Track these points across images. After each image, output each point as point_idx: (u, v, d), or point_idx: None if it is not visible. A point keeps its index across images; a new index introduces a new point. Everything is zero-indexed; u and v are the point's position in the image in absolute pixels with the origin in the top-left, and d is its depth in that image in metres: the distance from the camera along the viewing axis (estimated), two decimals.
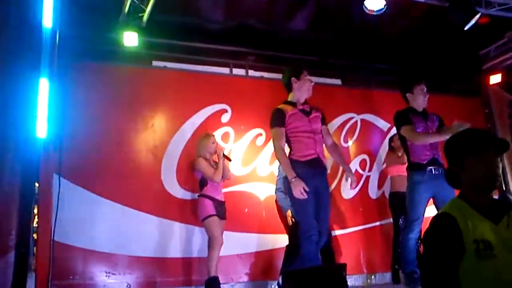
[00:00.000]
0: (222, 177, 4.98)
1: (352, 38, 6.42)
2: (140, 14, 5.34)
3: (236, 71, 6.06)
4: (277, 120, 4.22)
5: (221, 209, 4.93)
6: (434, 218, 2.00)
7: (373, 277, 6.01)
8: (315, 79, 6.36)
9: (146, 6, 5.24)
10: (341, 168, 6.14)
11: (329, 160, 5.71)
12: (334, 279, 2.70)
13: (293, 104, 4.29)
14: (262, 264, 5.48)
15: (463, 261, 1.85)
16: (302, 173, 4.11)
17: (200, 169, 4.96)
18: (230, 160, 5.12)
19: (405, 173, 4.69)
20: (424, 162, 4.48)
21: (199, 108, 5.62)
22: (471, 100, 7.13)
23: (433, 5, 5.51)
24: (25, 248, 3.46)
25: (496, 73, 6.95)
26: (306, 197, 4.01)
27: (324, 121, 4.43)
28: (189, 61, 5.82)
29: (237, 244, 5.48)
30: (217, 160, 4.97)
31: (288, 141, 4.27)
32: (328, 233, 5.33)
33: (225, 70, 6.01)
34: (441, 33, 6.21)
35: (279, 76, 6.09)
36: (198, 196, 4.99)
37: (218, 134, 5.64)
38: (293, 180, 4.03)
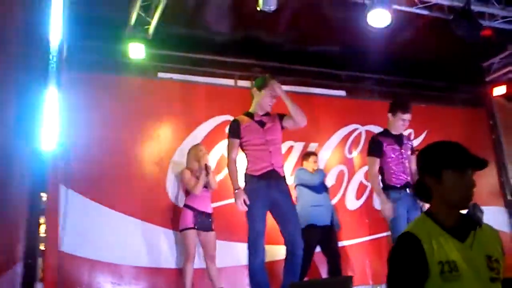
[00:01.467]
0: (207, 187, 4.99)
1: (357, 50, 6.44)
2: (146, 26, 5.40)
3: (241, 82, 6.09)
4: (231, 131, 4.27)
5: (202, 220, 4.91)
6: (399, 238, 1.92)
7: None
8: (319, 90, 6.48)
9: (152, 18, 5.29)
10: (345, 179, 6.16)
11: (333, 171, 5.79)
12: None
13: (250, 115, 4.29)
14: (269, 274, 5.46)
15: (428, 283, 1.80)
16: (256, 188, 4.10)
17: (182, 180, 5.03)
18: (208, 173, 5.01)
19: None
20: (399, 186, 4.55)
21: (204, 119, 5.66)
22: (476, 111, 7.16)
23: (437, 17, 5.54)
24: (33, 259, 3.48)
25: (499, 85, 6.96)
26: (246, 209, 4.06)
27: (282, 116, 4.30)
28: (195, 73, 5.87)
29: (242, 255, 5.47)
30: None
31: (245, 156, 4.27)
32: (336, 246, 5.37)
33: (230, 82, 6.05)
34: (444, 44, 6.24)
35: (283, 87, 6.15)
36: (183, 205, 5.01)
37: (222, 145, 5.65)
38: (236, 191, 4.08)
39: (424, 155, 2.01)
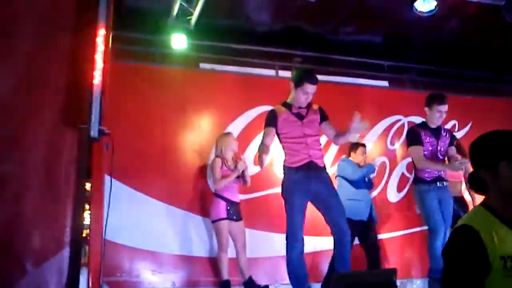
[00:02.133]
0: (238, 178, 5.00)
1: (400, 40, 6.32)
2: (188, 17, 5.43)
3: (282, 73, 6.05)
4: (268, 120, 4.20)
5: (233, 210, 4.94)
6: (455, 231, 1.79)
7: (418, 282, 5.90)
8: (362, 81, 6.37)
9: (194, 9, 5.31)
10: (387, 171, 6.08)
11: (376, 161, 5.69)
12: (384, 284, 2.67)
13: (288, 106, 4.22)
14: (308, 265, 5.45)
15: (489, 279, 1.67)
16: (295, 180, 4.07)
17: (212, 168, 5.03)
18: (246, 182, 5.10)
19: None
20: (429, 180, 4.59)
21: (245, 110, 5.66)
22: None
23: (485, 4, 5.36)
24: (78, 246, 3.57)
25: None
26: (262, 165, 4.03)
27: (325, 118, 4.25)
28: (236, 63, 5.87)
29: (281, 245, 5.46)
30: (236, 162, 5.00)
31: (282, 148, 4.24)
32: (375, 238, 5.31)
33: (272, 72, 6.02)
34: (491, 33, 6.04)
35: (325, 78, 6.10)
36: (214, 194, 5.02)
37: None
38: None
39: (478, 147, 1.88)
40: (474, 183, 1.87)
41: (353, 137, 4.40)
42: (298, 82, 4.12)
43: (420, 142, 4.62)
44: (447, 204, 4.60)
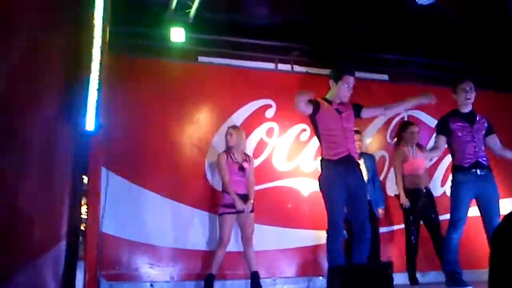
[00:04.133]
0: (243, 171, 5.02)
1: (400, 33, 6.29)
2: (187, 10, 5.40)
3: (281, 66, 6.03)
4: (311, 102, 4.27)
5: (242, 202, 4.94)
6: (504, 218, 1.82)
7: (419, 275, 5.88)
8: (361, 74, 6.33)
9: (193, 2, 5.29)
10: (386, 165, 6.07)
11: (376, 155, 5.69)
12: (380, 276, 2.67)
13: (328, 101, 4.35)
14: (304, 259, 5.46)
15: None
16: (334, 174, 4.20)
17: (217, 164, 5.04)
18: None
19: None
20: (466, 166, 4.54)
21: (243, 103, 5.65)
22: None
23: None
24: (75, 239, 3.57)
25: None
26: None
27: (357, 106, 4.43)
28: (235, 57, 5.84)
29: (279, 239, 5.49)
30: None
31: (319, 141, 4.35)
32: (376, 234, 5.30)
33: (271, 66, 6.00)
34: (496, 26, 6.00)
35: (324, 71, 6.06)
36: (222, 190, 5.03)
37: (262, 129, 5.66)
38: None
39: None
40: None
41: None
42: (339, 75, 4.32)
43: (446, 131, 4.64)
44: (488, 193, 4.51)
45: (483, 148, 4.61)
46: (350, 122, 4.36)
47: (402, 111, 4.59)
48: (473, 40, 6.33)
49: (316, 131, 4.35)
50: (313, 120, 4.32)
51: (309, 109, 4.23)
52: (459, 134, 4.61)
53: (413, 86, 6.45)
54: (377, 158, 5.90)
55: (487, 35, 6.23)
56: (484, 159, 4.58)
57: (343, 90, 4.31)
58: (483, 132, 4.65)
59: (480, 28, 6.10)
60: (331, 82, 4.37)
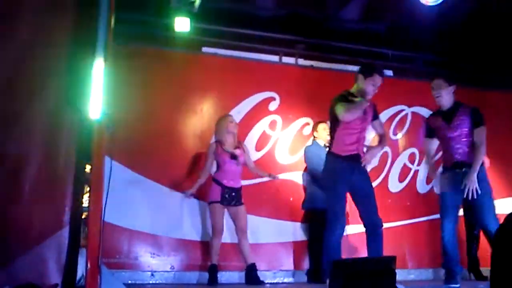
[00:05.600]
0: (236, 161, 4.99)
1: (405, 29, 6.26)
2: (192, 0, 5.36)
3: (286, 59, 6.01)
4: (341, 99, 4.29)
5: (232, 195, 4.93)
6: (506, 218, 1.84)
7: (417, 272, 5.91)
8: None
9: None
10: (389, 161, 6.07)
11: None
12: (383, 271, 2.67)
13: (353, 96, 4.34)
14: (306, 253, 5.46)
15: None
16: (339, 169, 4.25)
17: (207, 153, 5.04)
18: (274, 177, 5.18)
19: None
20: (448, 166, 4.53)
21: (247, 95, 5.64)
22: None
23: None
24: (78, 226, 3.56)
25: None
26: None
27: (377, 115, 4.52)
28: (239, 48, 5.82)
29: (281, 232, 5.49)
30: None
31: (333, 133, 4.33)
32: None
33: (275, 58, 5.97)
34: (501, 24, 5.97)
35: (328, 65, 6.07)
36: (212, 178, 5.03)
37: (265, 122, 5.65)
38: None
39: None
40: None
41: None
42: (369, 73, 4.31)
43: (430, 134, 4.67)
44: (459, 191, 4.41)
45: (464, 146, 4.49)
46: (368, 122, 4.40)
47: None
48: (477, 39, 6.30)
49: (335, 126, 4.31)
50: (335, 116, 4.26)
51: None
52: (441, 134, 4.58)
53: (417, 83, 6.44)
54: (380, 153, 5.88)
55: (492, 34, 6.20)
56: (466, 158, 4.46)
57: (369, 88, 4.28)
58: (465, 127, 4.50)
59: (485, 27, 6.07)
60: (360, 76, 4.33)
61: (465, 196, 4.33)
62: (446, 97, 4.56)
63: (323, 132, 5.34)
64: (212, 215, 4.90)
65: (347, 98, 4.30)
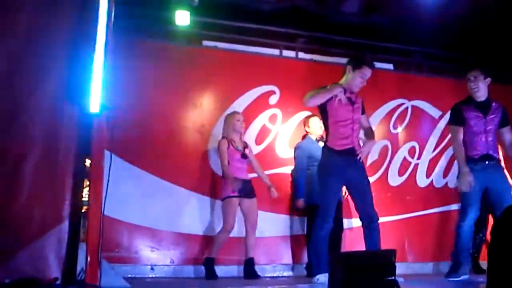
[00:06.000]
0: (245, 158, 5.04)
1: (406, 22, 6.23)
2: None
3: (286, 53, 5.99)
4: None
5: (245, 187, 4.95)
6: (504, 212, 1.89)
7: (417, 266, 5.92)
8: None
9: None
10: (389, 155, 6.06)
11: (377, 146, 5.67)
12: (383, 264, 2.67)
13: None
14: (305, 246, 5.45)
15: None
16: (334, 163, 4.26)
17: (218, 149, 5.03)
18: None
19: None
20: (476, 157, 4.50)
21: (247, 89, 5.62)
22: None
23: None
24: (77, 220, 3.56)
25: None
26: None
27: (364, 110, 4.50)
28: (240, 42, 5.79)
29: (280, 226, 5.50)
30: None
31: (326, 126, 4.32)
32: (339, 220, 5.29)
33: (275, 52, 5.95)
34: (502, 18, 5.95)
35: (329, 59, 6.06)
36: (223, 177, 5.03)
37: (265, 115, 5.64)
38: None
39: None
40: None
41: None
42: (358, 64, 4.32)
43: (459, 121, 4.57)
44: (496, 186, 4.47)
45: (494, 140, 4.55)
46: (359, 114, 4.38)
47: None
48: (479, 32, 6.28)
49: (325, 118, 4.34)
50: (323, 107, 4.29)
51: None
52: (471, 123, 4.54)
53: (418, 77, 6.44)
54: (380, 147, 5.89)
55: (494, 27, 6.17)
56: (494, 152, 4.54)
57: (357, 79, 4.29)
58: (496, 122, 4.57)
59: (487, 21, 6.04)
60: (348, 68, 4.35)
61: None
62: (483, 88, 4.57)
63: (315, 126, 5.33)
64: (228, 210, 4.89)
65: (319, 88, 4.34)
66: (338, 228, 5.23)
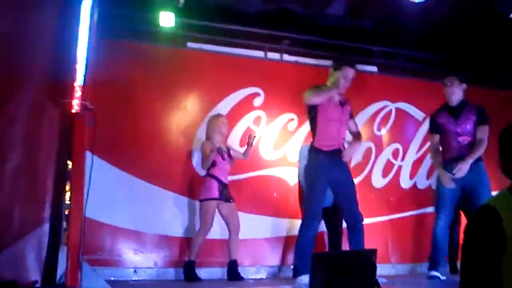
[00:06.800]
0: (230, 160, 5.08)
1: (390, 25, 6.28)
2: None
3: (271, 55, 5.99)
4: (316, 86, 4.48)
5: (225, 191, 4.97)
6: (477, 211, 1.88)
7: (400, 267, 5.95)
8: None
9: None
10: (372, 157, 6.09)
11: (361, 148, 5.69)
12: (364, 264, 2.68)
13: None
14: (289, 248, 5.45)
15: (505, 258, 1.72)
16: (322, 164, 4.35)
17: (202, 151, 5.02)
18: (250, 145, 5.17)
19: None
20: (450, 160, 4.69)
21: (232, 91, 5.60)
22: None
23: None
24: (58, 223, 3.53)
25: None
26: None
27: (352, 115, 4.69)
28: (224, 44, 5.77)
29: (264, 228, 5.49)
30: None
31: (313, 125, 4.37)
32: (338, 224, 5.32)
33: (260, 54, 5.94)
34: (484, 21, 6.00)
35: (314, 61, 6.06)
36: (205, 175, 5.01)
37: (250, 117, 5.63)
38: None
39: (504, 138, 1.91)
40: (506, 170, 1.90)
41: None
42: (339, 66, 4.47)
43: (435, 129, 4.83)
44: (470, 184, 4.56)
45: (470, 141, 4.66)
46: (346, 116, 4.50)
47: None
48: (463, 35, 6.33)
49: (313, 119, 4.38)
50: (313, 108, 4.35)
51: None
52: (444, 128, 4.76)
53: (401, 79, 6.47)
54: (364, 149, 5.91)
55: (477, 30, 6.23)
56: (465, 153, 4.62)
57: (341, 81, 4.40)
58: (470, 124, 4.71)
59: (470, 23, 6.10)
60: (330, 71, 4.48)
61: (453, 172, 4.51)
62: (458, 94, 4.76)
63: None
64: (206, 212, 4.87)
65: (319, 88, 4.44)
66: (337, 233, 5.27)
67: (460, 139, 4.70)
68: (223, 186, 4.96)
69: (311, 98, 4.37)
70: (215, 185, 4.91)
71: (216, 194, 4.88)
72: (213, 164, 4.97)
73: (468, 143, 4.68)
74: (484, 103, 5.02)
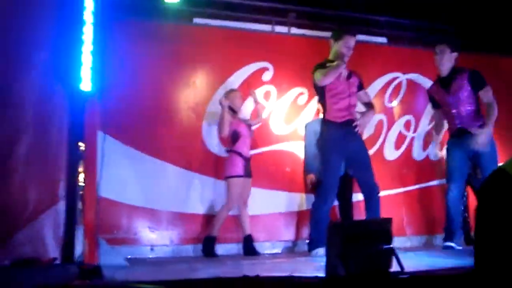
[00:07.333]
0: (253, 133, 5.10)
1: None
2: None
3: (278, 28, 5.92)
4: (319, 67, 4.42)
5: (248, 166, 4.99)
6: (490, 174, 1.90)
7: (414, 239, 5.95)
8: (359, 37, 6.22)
9: None
10: (384, 129, 6.04)
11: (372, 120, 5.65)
12: (380, 232, 2.67)
13: (331, 62, 4.42)
14: (303, 223, 5.47)
15: None
16: (337, 137, 4.33)
17: (221, 116, 4.98)
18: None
19: None
20: (453, 131, 4.74)
21: (240, 66, 5.55)
22: None
23: None
24: (73, 200, 3.55)
25: None
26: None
27: (362, 86, 4.64)
28: (231, 18, 5.72)
29: (278, 202, 5.49)
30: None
31: (323, 100, 4.34)
32: (349, 195, 5.31)
33: (267, 28, 5.87)
34: None
35: (321, 34, 5.98)
36: (229, 151, 5.02)
37: (259, 92, 5.58)
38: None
39: None
40: None
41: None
42: (340, 35, 4.45)
43: (433, 105, 4.89)
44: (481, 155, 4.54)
45: (470, 109, 4.59)
46: (355, 88, 4.47)
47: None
48: (474, 4, 6.22)
49: (321, 93, 4.37)
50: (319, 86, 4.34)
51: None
52: (441, 102, 4.73)
53: (411, 49, 6.38)
54: (375, 121, 5.87)
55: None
56: (470, 121, 4.58)
57: (343, 50, 4.35)
58: (464, 91, 4.60)
59: None
60: (331, 42, 4.44)
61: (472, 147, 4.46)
62: (446, 63, 4.62)
63: None
64: (232, 190, 4.88)
65: (324, 65, 4.37)
66: (348, 205, 5.27)
67: (456, 108, 4.62)
68: (247, 161, 4.98)
69: (323, 80, 4.32)
70: (240, 163, 4.92)
71: (241, 171, 4.90)
72: (237, 138, 4.96)
73: (467, 111, 4.59)
74: (499, 71, 4.95)
